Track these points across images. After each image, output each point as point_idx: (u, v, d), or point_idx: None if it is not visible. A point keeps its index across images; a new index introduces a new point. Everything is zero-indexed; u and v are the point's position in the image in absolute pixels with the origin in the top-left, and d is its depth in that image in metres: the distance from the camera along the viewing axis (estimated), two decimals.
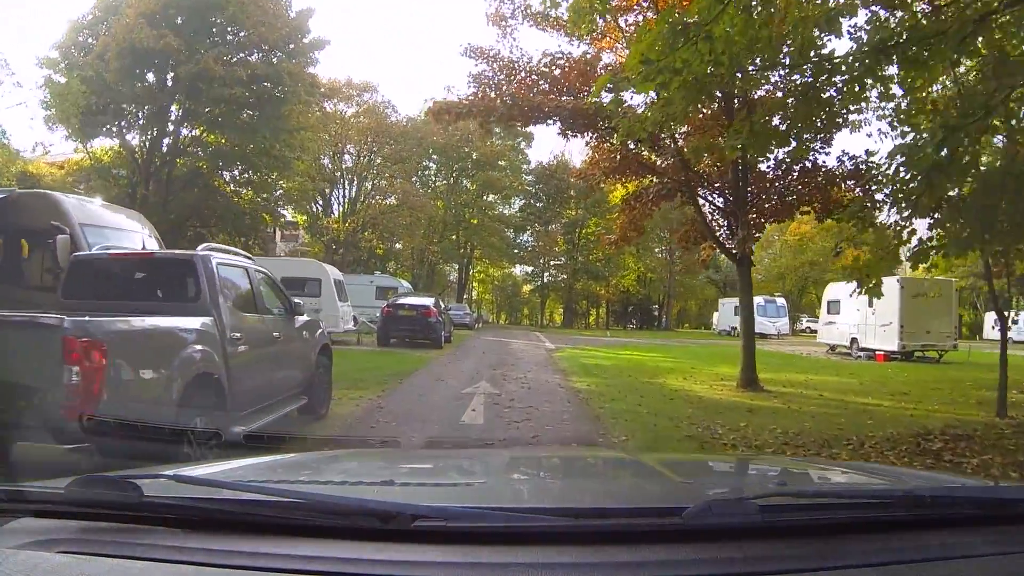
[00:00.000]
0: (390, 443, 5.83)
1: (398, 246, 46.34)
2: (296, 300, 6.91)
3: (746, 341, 11.50)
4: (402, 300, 20.40)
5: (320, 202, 43.78)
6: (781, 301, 42.88)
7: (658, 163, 12.09)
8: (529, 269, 57.43)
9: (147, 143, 24.55)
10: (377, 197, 42.98)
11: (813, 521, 1.24)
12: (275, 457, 2.35)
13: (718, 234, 11.88)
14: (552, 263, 54.43)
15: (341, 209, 43.36)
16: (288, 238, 47.76)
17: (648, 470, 2.23)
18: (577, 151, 61.78)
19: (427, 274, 48.25)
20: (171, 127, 24.82)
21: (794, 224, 53.70)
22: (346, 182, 43.61)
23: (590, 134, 11.59)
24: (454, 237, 50.72)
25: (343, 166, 43.01)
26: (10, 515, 1.23)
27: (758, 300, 42.47)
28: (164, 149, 24.91)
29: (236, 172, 26.66)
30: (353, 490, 1.56)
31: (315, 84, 26.89)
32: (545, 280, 55.95)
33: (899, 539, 1.23)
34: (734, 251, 11.48)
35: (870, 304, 22.56)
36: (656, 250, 58.22)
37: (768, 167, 11.04)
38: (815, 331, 35.35)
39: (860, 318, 21.60)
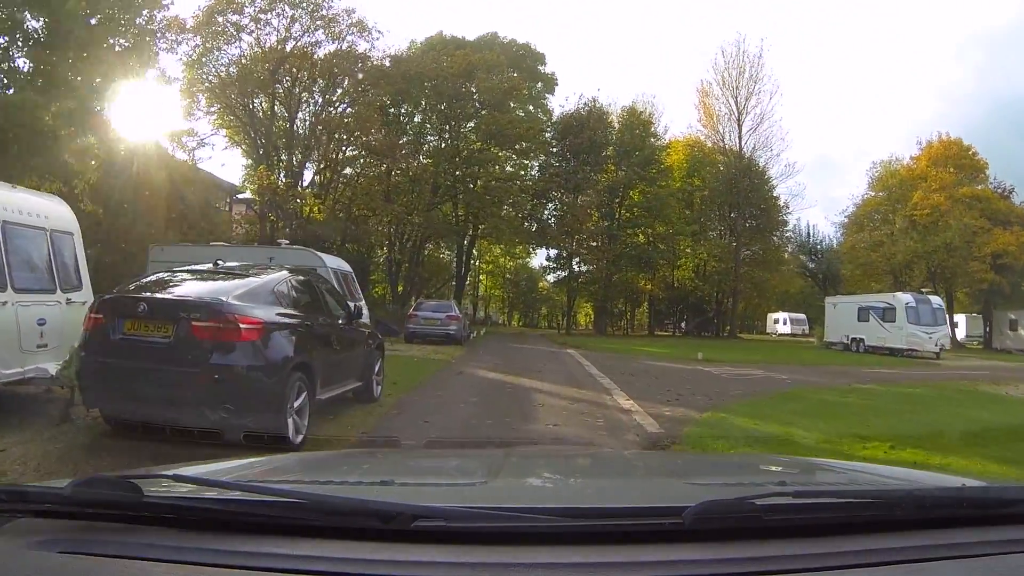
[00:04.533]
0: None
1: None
2: None
3: None
4: (139, 291, 6.77)
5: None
6: (937, 301, 32.45)
7: None
8: (552, 253, 47.72)
9: None
10: (331, 139, 34.01)
11: (813, 521, 1.30)
12: (275, 457, 2.50)
13: None
14: (584, 247, 44.57)
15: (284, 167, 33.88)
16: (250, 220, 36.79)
17: (648, 470, 2.33)
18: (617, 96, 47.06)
19: (411, 260, 32.89)
20: None
21: (919, 194, 38.38)
22: (288, 123, 34.10)
23: None
24: (450, 209, 41.67)
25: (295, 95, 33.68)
26: (10, 515, 1.31)
27: (905, 298, 31.49)
28: None
29: None
30: (353, 490, 1.65)
31: None
32: (574, 269, 46.18)
33: (899, 539, 1.29)
34: None
35: None
36: (711, 233, 49.25)
37: None
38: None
39: None
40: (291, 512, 1.24)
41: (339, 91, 34.09)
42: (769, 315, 60.51)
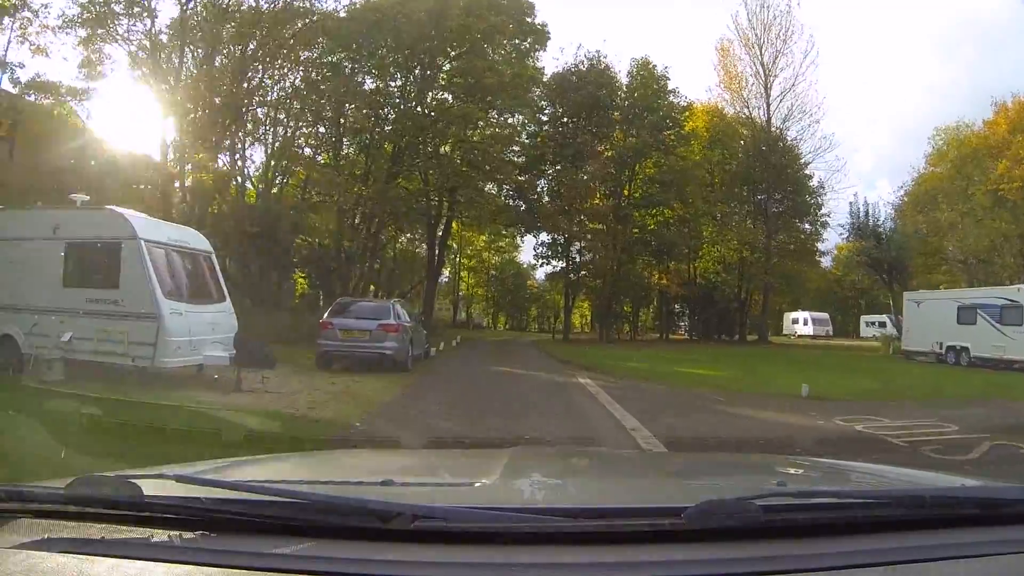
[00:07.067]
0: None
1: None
2: None
3: None
4: None
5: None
6: None
7: None
8: (546, 239, 39.63)
9: None
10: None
11: (813, 521, 1.33)
12: (275, 457, 2.66)
13: None
14: (586, 229, 36.41)
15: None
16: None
17: (648, 470, 2.35)
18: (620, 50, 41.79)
19: (364, 249, 23.48)
20: None
21: (1004, 164, 30.41)
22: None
23: None
24: (418, 182, 33.40)
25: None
26: (10, 515, 1.34)
27: None
28: None
29: None
30: (353, 490, 1.66)
31: None
32: (574, 259, 38.75)
33: (899, 539, 1.31)
34: None
35: None
36: (735, 216, 40.94)
37: None
38: None
39: None
40: (291, 512, 1.27)
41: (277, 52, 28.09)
42: (786, 314, 55.81)
